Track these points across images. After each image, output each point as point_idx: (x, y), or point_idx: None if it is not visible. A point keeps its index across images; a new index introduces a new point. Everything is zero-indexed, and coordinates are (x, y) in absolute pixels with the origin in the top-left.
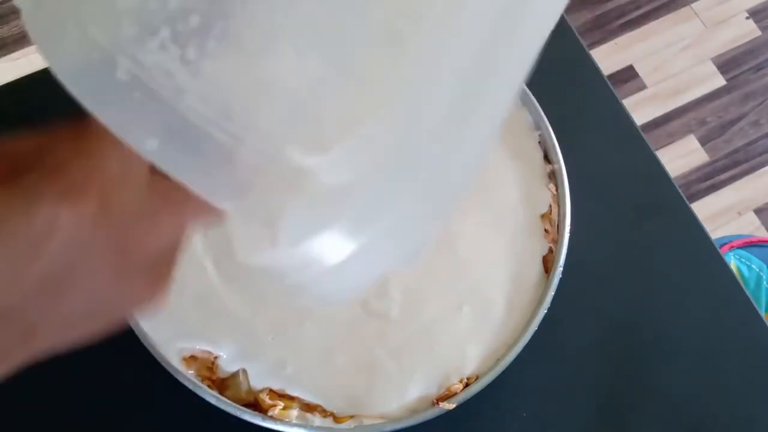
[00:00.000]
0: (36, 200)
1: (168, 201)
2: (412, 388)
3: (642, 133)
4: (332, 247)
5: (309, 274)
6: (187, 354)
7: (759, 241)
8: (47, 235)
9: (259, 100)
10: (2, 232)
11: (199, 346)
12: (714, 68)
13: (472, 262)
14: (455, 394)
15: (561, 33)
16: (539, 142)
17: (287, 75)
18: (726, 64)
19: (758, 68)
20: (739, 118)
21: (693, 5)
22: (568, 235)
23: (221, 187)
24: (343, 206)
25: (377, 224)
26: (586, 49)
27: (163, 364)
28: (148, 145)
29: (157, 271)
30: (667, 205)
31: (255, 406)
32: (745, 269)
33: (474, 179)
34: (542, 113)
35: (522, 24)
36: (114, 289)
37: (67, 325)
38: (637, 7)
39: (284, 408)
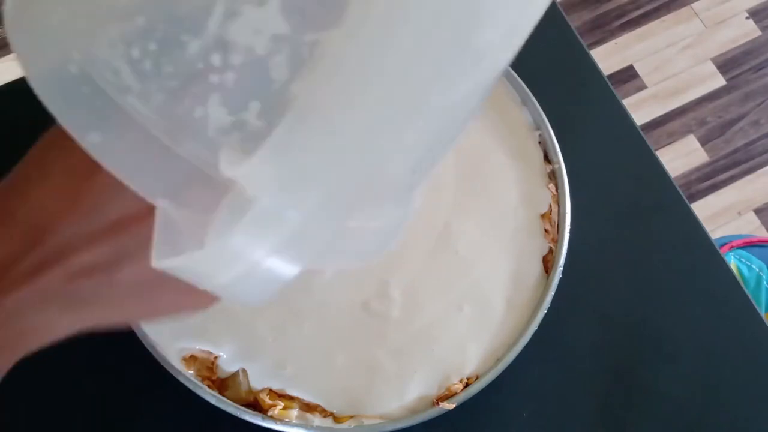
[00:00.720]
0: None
1: None
2: (412, 388)
3: (642, 133)
4: (252, 244)
5: (231, 275)
6: (187, 354)
7: (759, 241)
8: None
9: (195, 102)
10: (70, 143)
11: (199, 346)
12: (714, 68)
13: (472, 262)
14: (455, 394)
15: (561, 33)
16: (539, 142)
17: (222, 76)
18: (726, 64)
19: (758, 68)
20: (739, 118)
21: (693, 5)
22: (568, 235)
23: (157, 185)
24: (266, 209)
25: (291, 224)
26: (586, 49)
27: (163, 364)
28: (89, 138)
29: None
30: (667, 205)
31: (255, 406)
32: (745, 269)
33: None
34: (542, 113)
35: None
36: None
37: (116, 301)
38: (637, 7)
39: (284, 408)
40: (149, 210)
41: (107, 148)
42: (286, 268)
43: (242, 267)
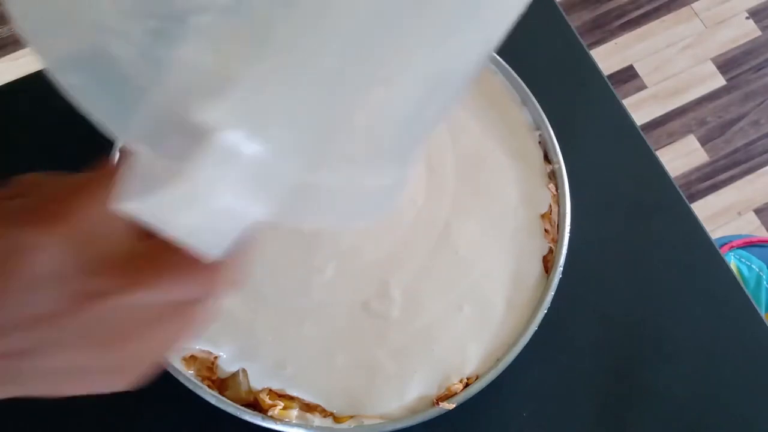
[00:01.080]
0: (9, 222)
1: (154, 264)
2: (412, 388)
3: (642, 133)
4: (212, 182)
5: (192, 216)
6: (187, 354)
7: (759, 241)
8: (12, 254)
9: (175, 42)
10: None
11: (199, 346)
12: (714, 68)
13: (472, 262)
14: (455, 394)
15: (561, 33)
16: (539, 142)
17: (203, 16)
18: (726, 64)
19: (758, 68)
20: (739, 118)
21: (693, 5)
22: (568, 235)
23: (134, 129)
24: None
25: (252, 159)
26: (586, 49)
27: (163, 363)
28: (69, 78)
29: (135, 343)
30: (667, 205)
31: (255, 406)
32: (745, 269)
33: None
34: (542, 113)
35: None
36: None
37: (39, 381)
38: (637, 7)
39: (284, 408)
40: (69, 305)
41: (85, 88)
42: (250, 209)
43: (203, 207)
